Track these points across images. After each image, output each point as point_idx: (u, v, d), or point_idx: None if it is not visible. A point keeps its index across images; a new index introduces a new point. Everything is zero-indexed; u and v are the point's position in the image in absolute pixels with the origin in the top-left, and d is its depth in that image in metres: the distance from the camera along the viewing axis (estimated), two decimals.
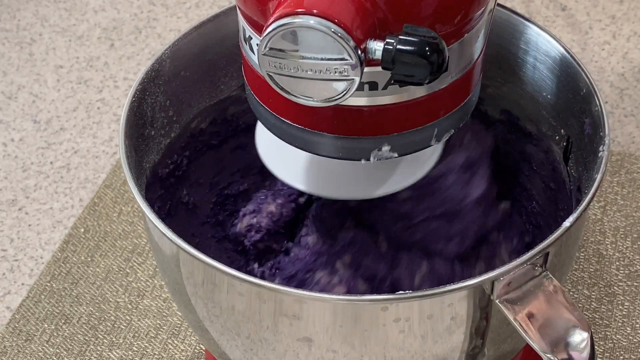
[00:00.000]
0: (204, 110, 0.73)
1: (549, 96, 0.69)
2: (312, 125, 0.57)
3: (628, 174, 0.92)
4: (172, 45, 0.69)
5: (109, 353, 0.81)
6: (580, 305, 0.82)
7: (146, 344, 0.81)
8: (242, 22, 0.57)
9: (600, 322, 0.81)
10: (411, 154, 0.59)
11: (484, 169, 0.70)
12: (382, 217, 0.70)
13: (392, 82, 0.54)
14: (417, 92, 0.55)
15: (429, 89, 0.55)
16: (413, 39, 0.49)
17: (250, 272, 0.73)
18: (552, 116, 0.69)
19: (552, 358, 0.54)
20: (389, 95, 0.55)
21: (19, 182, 0.95)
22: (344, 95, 0.51)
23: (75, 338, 0.82)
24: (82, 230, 0.90)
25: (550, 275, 0.56)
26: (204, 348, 0.80)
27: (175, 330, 0.82)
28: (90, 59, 1.07)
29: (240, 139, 0.76)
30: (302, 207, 0.75)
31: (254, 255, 0.75)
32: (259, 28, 0.55)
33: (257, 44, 0.52)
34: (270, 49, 0.51)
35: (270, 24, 0.50)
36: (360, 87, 0.52)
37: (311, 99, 0.52)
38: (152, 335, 0.82)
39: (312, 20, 0.49)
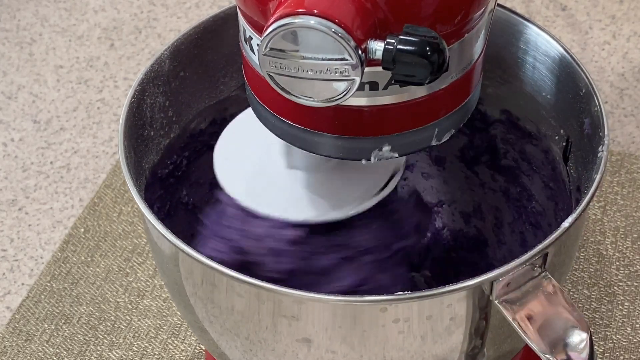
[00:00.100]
0: (204, 111, 0.73)
1: (548, 96, 0.69)
2: (312, 126, 0.57)
3: (628, 174, 0.92)
4: (171, 45, 0.68)
5: (109, 353, 0.81)
6: (580, 305, 0.82)
7: (146, 344, 0.81)
8: (243, 22, 0.57)
9: (600, 322, 0.81)
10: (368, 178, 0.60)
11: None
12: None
13: (393, 82, 0.54)
14: (417, 92, 0.55)
15: (429, 89, 0.55)
16: (414, 38, 0.49)
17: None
18: (552, 116, 0.69)
19: (551, 358, 0.54)
20: (389, 95, 0.55)
21: (19, 182, 0.95)
22: (344, 95, 0.51)
23: (75, 338, 0.82)
24: (82, 230, 0.90)
25: (550, 276, 0.56)
26: (203, 348, 0.80)
27: (175, 330, 0.82)
28: (90, 59, 1.07)
29: None
30: None
31: None
32: (259, 28, 0.55)
33: (258, 44, 0.52)
34: (271, 49, 0.51)
35: (271, 24, 0.50)
36: (360, 87, 0.52)
37: (312, 99, 0.52)
38: (152, 335, 0.82)
39: (312, 21, 0.49)
